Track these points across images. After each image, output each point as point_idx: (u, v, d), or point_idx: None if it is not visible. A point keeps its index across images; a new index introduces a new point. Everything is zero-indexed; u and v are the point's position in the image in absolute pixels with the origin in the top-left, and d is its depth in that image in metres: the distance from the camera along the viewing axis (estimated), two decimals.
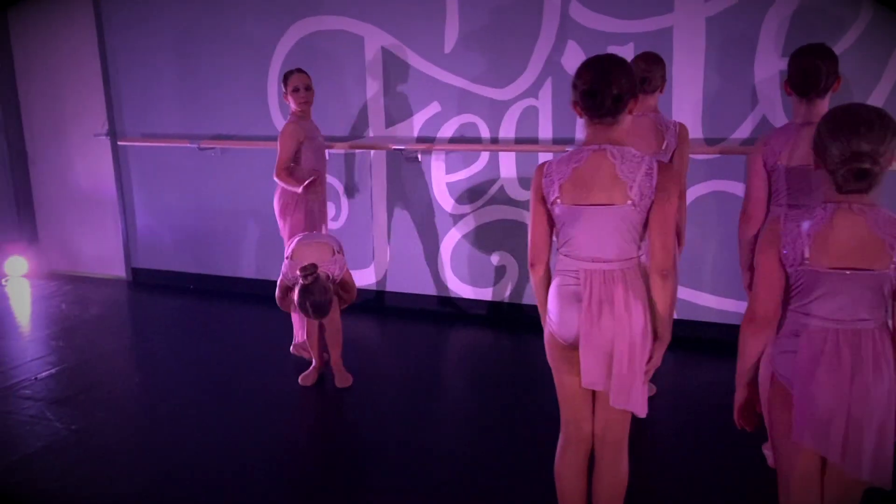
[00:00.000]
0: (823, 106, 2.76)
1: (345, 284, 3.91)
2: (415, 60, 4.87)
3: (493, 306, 5.02)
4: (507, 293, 4.95)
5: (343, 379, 3.97)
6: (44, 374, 4.18)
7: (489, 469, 3.11)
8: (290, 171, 4.11)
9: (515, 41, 4.59)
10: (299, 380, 3.98)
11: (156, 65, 5.68)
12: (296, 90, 4.14)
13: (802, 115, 2.75)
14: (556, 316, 2.20)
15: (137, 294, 5.87)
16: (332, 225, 5.30)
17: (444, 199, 4.98)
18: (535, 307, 4.57)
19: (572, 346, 2.17)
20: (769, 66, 4.05)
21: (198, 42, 5.49)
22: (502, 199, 4.82)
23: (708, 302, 4.40)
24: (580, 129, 4.55)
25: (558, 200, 2.12)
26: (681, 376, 4.09)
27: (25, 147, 6.42)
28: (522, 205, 4.71)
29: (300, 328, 4.16)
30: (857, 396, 1.81)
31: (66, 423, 3.56)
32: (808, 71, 2.69)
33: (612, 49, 4.32)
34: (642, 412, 2.20)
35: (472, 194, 4.90)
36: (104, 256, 6.29)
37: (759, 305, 1.94)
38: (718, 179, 4.26)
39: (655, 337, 2.17)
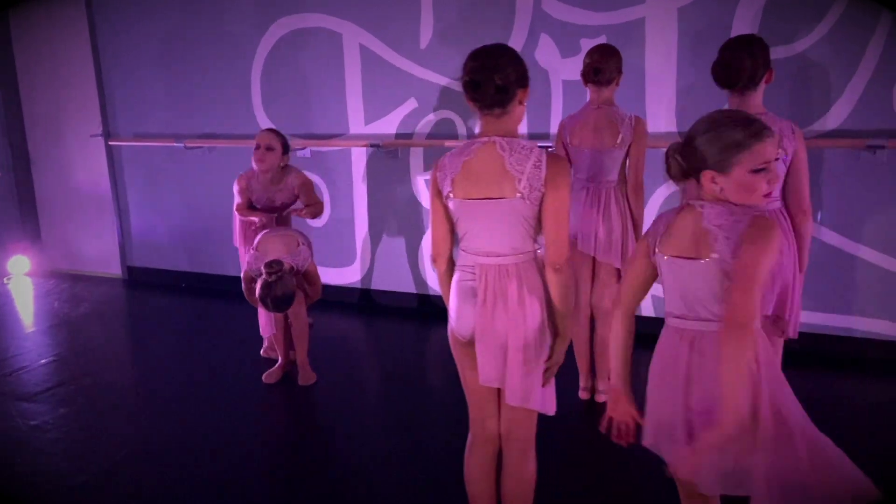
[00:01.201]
0: (756, 98, 2.69)
1: (309, 277, 3.89)
2: (392, 57, 4.83)
3: None
4: None
5: (307, 377, 3.95)
6: (18, 370, 4.25)
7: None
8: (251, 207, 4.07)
9: (489, 36, 4.44)
10: (263, 377, 3.98)
11: (145, 66, 5.74)
12: (256, 147, 3.94)
13: (736, 108, 2.65)
14: (454, 311, 2.15)
15: (130, 292, 5.95)
16: (315, 223, 5.29)
17: (424, 196, 4.94)
18: None
19: (470, 342, 2.12)
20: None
21: (183, 42, 5.53)
22: None
23: None
24: (554, 123, 4.48)
25: (451, 195, 2.07)
26: None
27: (28, 149, 6.55)
28: None
29: (266, 325, 4.16)
30: (695, 399, 1.75)
31: (25, 420, 3.60)
32: (726, 63, 2.63)
33: (585, 42, 4.24)
34: (548, 410, 2.15)
35: None
36: (102, 255, 6.39)
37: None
38: None
39: (556, 334, 2.10)
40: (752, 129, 1.75)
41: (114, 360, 4.53)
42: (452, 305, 2.16)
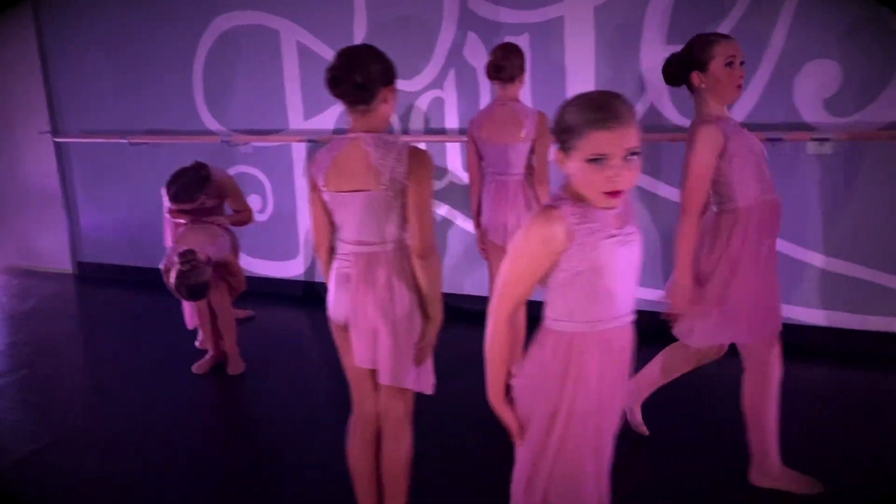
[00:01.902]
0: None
1: (230, 268, 3.99)
2: (328, 53, 4.94)
3: None
4: None
5: (236, 366, 4.05)
6: None
7: None
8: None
9: (419, 33, 4.65)
10: (193, 368, 4.08)
11: (91, 63, 5.82)
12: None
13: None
14: (331, 298, 2.29)
15: (79, 287, 6.03)
16: (259, 218, 5.40)
17: None
18: (457, 296, 4.61)
19: (345, 326, 2.26)
20: (654, 54, 4.07)
21: (128, 40, 5.62)
22: None
23: None
24: None
25: (324, 188, 2.21)
26: None
27: None
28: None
29: (190, 317, 4.26)
30: None
31: None
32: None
33: (509, 39, 4.37)
34: (424, 389, 2.28)
35: None
36: (54, 251, 6.46)
37: None
38: None
39: (427, 317, 2.24)
40: (598, 115, 1.55)
41: (53, 354, 4.62)
42: (329, 292, 2.30)
